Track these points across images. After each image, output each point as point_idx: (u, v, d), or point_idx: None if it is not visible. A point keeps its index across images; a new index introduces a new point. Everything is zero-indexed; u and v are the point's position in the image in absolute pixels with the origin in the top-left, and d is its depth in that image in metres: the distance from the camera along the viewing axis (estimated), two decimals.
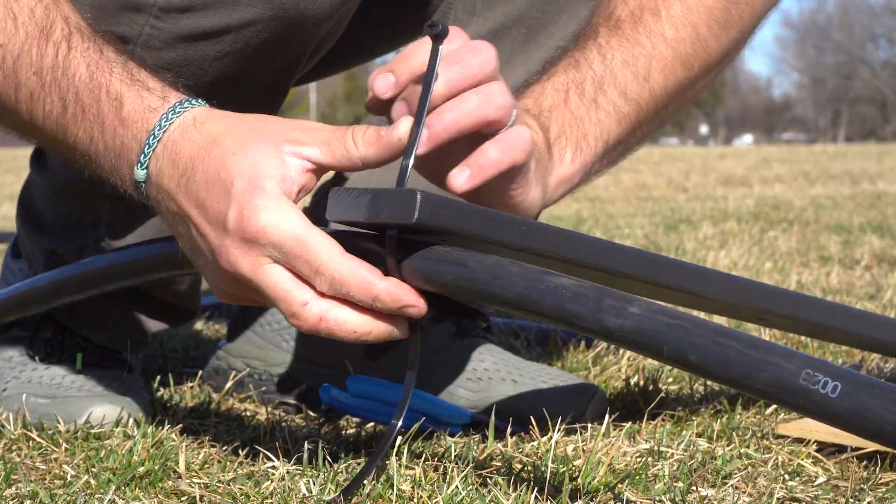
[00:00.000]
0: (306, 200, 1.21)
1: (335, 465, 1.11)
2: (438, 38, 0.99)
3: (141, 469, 1.09)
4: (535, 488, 1.01)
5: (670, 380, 1.52)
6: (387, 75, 1.01)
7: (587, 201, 6.11)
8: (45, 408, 1.33)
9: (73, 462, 1.15)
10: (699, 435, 1.25)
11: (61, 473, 1.12)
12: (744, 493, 1.05)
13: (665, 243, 3.62)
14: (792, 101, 70.08)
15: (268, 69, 1.26)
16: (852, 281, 2.63)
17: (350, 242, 0.98)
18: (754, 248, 3.43)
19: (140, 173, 1.03)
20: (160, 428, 1.26)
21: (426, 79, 1.00)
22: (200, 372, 1.57)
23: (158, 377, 1.55)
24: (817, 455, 1.18)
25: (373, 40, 1.55)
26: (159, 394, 1.51)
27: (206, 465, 1.14)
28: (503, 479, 1.05)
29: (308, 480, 1.05)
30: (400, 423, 1.02)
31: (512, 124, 1.04)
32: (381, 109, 1.02)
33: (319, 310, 0.97)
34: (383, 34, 1.55)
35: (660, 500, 1.02)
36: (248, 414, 1.42)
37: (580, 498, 1.01)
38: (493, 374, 1.37)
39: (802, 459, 1.16)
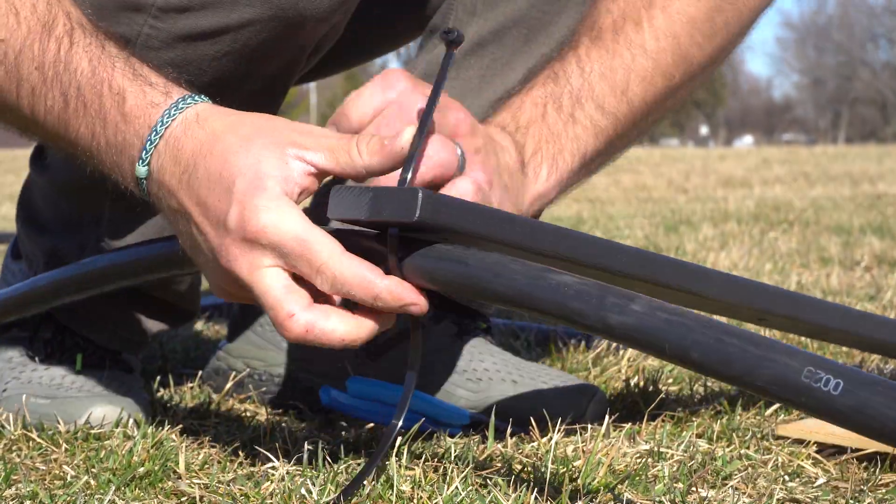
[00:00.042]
0: (307, 201, 1.21)
1: (335, 466, 1.11)
2: (454, 44, 1.00)
3: (141, 469, 1.09)
4: (535, 489, 1.01)
5: (670, 381, 1.52)
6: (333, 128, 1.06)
7: (587, 202, 6.11)
8: (45, 408, 1.33)
9: (73, 462, 1.15)
10: (699, 436, 1.25)
11: (61, 474, 1.12)
12: (744, 494, 1.05)
13: (665, 244, 3.62)
14: (792, 102, 70.12)
15: (267, 69, 1.26)
16: (852, 282, 2.63)
17: (351, 241, 0.98)
18: (754, 249, 3.43)
19: (141, 169, 1.03)
20: (160, 428, 1.26)
21: (435, 85, 1.01)
22: (200, 372, 1.57)
23: (158, 378, 1.55)
24: (817, 456, 1.17)
25: (373, 40, 1.55)
26: (159, 394, 1.51)
27: (206, 466, 1.14)
28: (503, 480, 1.05)
29: (308, 481, 1.05)
30: (400, 424, 1.02)
31: (462, 168, 1.06)
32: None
33: (306, 321, 0.97)
34: (383, 34, 1.55)
35: (660, 501, 1.02)
36: (248, 414, 1.42)
37: (580, 499, 1.01)
38: (493, 374, 1.37)
39: (802, 460, 1.16)
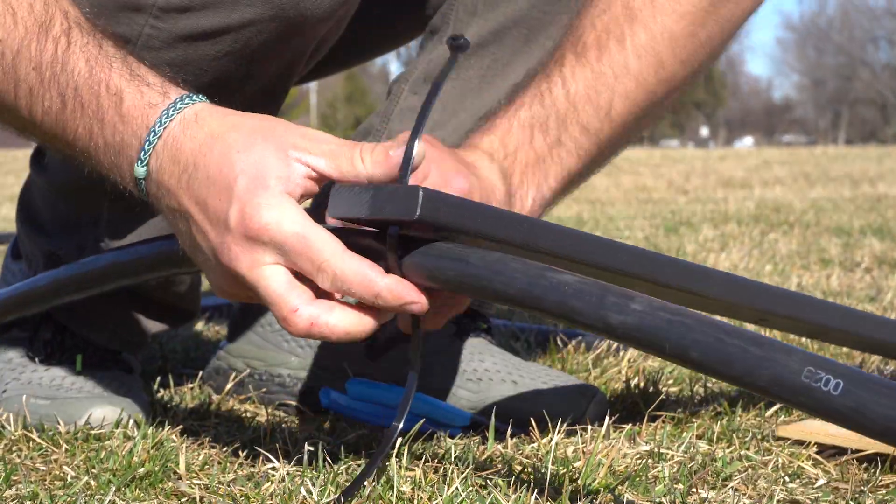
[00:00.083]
0: (307, 202, 1.21)
1: (335, 467, 1.10)
2: (460, 50, 1.01)
3: (141, 470, 1.09)
4: (536, 490, 1.01)
5: (670, 382, 1.52)
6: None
7: (587, 203, 6.12)
8: (46, 409, 1.33)
9: (74, 463, 1.15)
10: (699, 437, 1.25)
11: (61, 474, 1.11)
12: (744, 495, 1.05)
13: (665, 245, 3.62)
14: (792, 103, 70.12)
15: (267, 69, 1.26)
16: (852, 283, 2.63)
17: (351, 240, 0.98)
18: (755, 250, 3.43)
19: (140, 170, 1.03)
20: (160, 429, 1.26)
21: (432, 87, 1.01)
22: (200, 373, 1.57)
23: (158, 378, 1.55)
24: (817, 457, 1.17)
25: (373, 40, 1.55)
26: (159, 395, 1.51)
27: (207, 467, 1.13)
28: (503, 481, 1.05)
29: (308, 482, 1.05)
30: (401, 425, 1.02)
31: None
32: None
33: (310, 315, 0.97)
34: (383, 34, 1.55)
35: (660, 502, 1.02)
36: (249, 415, 1.42)
37: (580, 499, 1.01)
38: (493, 374, 1.36)
39: (803, 461, 1.15)
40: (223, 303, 2.21)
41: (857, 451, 1.16)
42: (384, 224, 0.97)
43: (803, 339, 1.73)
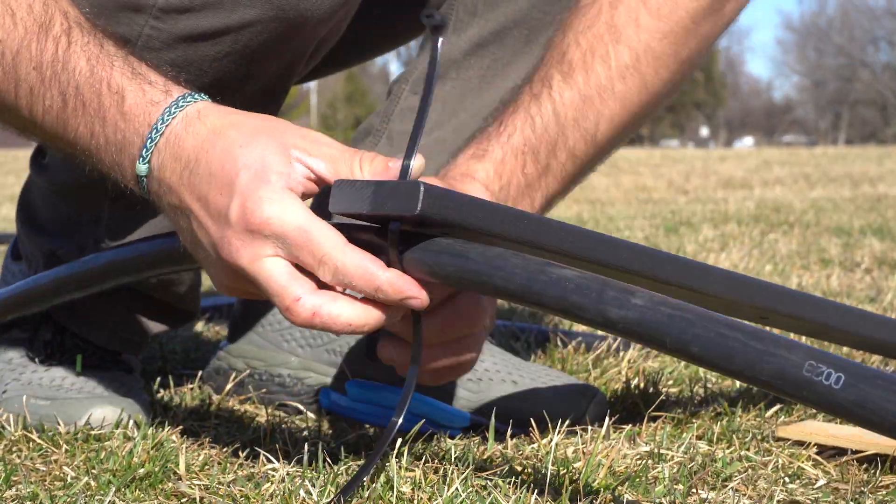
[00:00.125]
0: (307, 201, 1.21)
1: (335, 467, 1.10)
2: (438, 30, 1.01)
3: (141, 471, 1.09)
4: (536, 490, 1.01)
5: (670, 382, 1.52)
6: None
7: (587, 203, 6.12)
8: (46, 409, 1.33)
9: (74, 464, 1.15)
10: (699, 437, 1.25)
11: (61, 475, 1.11)
12: (744, 495, 1.05)
13: (665, 245, 3.62)
14: (792, 104, 70.11)
15: (267, 70, 1.26)
16: (853, 283, 2.63)
17: (353, 234, 0.99)
18: (755, 250, 3.43)
19: (142, 168, 1.03)
20: (160, 429, 1.26)
21: (427, 77, 1.01)
22: (200, 373, 1.57)
23: (158, 378, 1.55)
24: (817, 458, 1.17)
25: (373, 40, 1.55)
26: (159, 395, 1.51)
27: (207, 467, 1.13)
28: (503, 482, 1.05)
29: (308, 482, 1.05)
30: (400, 421, 1.02)
31: None
32: None
33: (312, 305, 0.97)
34: (383, 34, 1.55)
35: (660, 503, 1.02)
36: (249, 415, 1.42)
37: (580, 500, 1.01)
38: (493, 374, 1.36)
39: (803, 462, 1.15)
40: (223, 303, 2.21)
41: (857, 451, 1.16)
42: (385, 219, 0.97)
43: (803, 339, 1.73)
